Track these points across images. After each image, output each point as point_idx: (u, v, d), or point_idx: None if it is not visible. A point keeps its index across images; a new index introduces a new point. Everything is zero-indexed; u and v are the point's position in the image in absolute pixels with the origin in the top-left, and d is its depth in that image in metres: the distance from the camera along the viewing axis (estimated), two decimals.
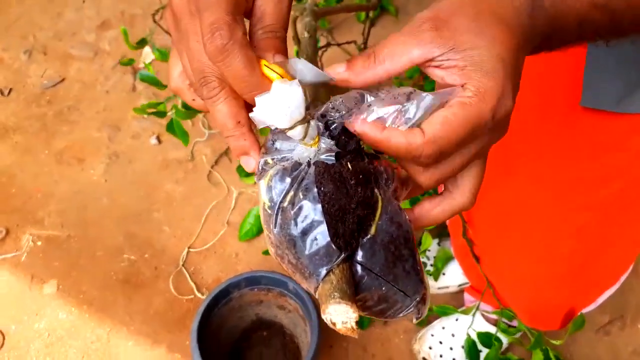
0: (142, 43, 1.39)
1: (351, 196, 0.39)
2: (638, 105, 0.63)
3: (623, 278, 0.97)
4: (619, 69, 0.61)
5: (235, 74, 0.36)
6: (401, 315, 0.41)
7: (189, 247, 1.47)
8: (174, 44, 0.42)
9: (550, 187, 0.79)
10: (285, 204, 0.39)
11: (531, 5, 0.38)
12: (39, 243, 1.48)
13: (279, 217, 0.39)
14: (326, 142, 0.40)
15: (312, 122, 0.39)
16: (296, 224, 0.38)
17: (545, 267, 0.91)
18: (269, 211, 0.40)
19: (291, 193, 0.39)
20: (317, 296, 0.38)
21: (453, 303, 1.38)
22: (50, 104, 1.73)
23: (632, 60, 0.60)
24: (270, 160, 0.41)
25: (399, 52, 0.37)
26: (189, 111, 1.34)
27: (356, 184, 0.39)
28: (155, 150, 1.63)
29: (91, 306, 1.39)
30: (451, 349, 1.29)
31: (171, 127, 1.35)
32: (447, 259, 1.38)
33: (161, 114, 1.33)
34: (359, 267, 0.38)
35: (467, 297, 1.31)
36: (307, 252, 0.38)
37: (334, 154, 0.40)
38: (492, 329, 1.23)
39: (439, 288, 1.39)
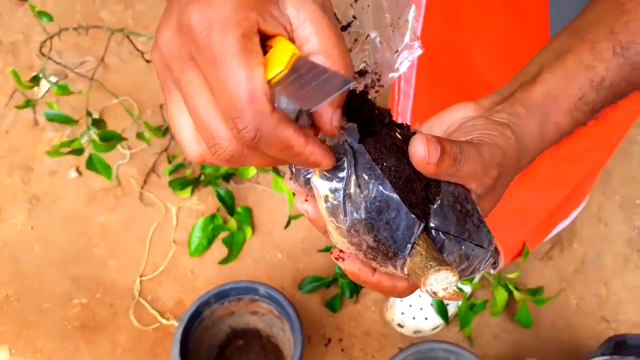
0: (35, 80, 1.29)
1: (412, 164, 0.39)
2: None
3: (575, 214, 1.06)
4: None
5: (277, 155, 0.34)
6: (481, 269, 0.42)
7: (140, 276, 1.42)
8: (166, 90, 0.37)
9: None
10: (351, 189, 0.38)
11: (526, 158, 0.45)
12: None
13: (348, 204, 0.38)
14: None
15: None
16: (369, 206, 0.37)
17: (508, 218, 0.98)
18: (335, 202, 0.38)
19: (353, 177, 0.38)
20: (406, 273, 0.38)
21: None
22: None
23: None
24: None
25: (465, 178, 0.40)
26: (108, 142, 1.27)
27: None
28: (78, 184, 1.53)
29: None
30: (421, 309, 1.35)
31: (91, 164, 1.28)
32: None
33: (79, 152, 1.25)
34: (436, 233, 0.39)
35: None
36: (387, 231, 0.37)
37: (357, 129, 0.40)
38: None
39: None
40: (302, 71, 0.33)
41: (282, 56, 0.34)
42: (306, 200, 0.42)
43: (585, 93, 0.44)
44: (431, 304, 1.34)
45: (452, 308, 1.35)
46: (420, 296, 1.36)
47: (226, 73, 0.32)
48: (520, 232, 1.14)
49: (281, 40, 0.35)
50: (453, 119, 0.46)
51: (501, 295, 1.31)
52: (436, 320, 1.34)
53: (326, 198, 0.39)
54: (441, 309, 1.33)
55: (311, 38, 0.34)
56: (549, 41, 0.73)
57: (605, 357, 1.06)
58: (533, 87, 0.45)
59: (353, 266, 0.41)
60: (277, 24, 0.34)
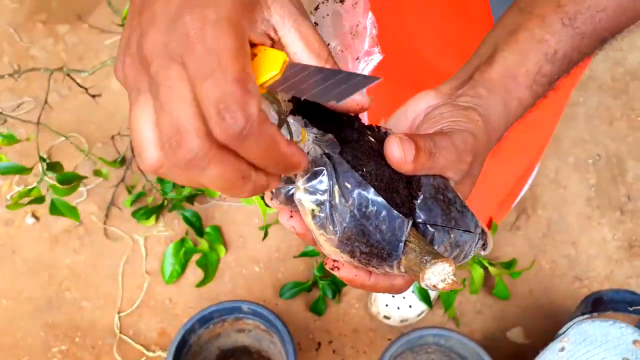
0: None
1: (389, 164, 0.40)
2: None
3: (531, 179, 1.09)
4: None
5: (259, 155, 0.33)
6: (472, 253, 0.43)
7: (118, 312, 1.38)
8: (135, 92, 0.34)
9: None
10: (336, 199, 0.38)
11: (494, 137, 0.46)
12: None
13: (335, 214, 0.38)
14: (312, 131, 0.40)
15: (290, 119, 0.39)
16: (356, 213, 0.38)
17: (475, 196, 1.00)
18: (322, 214, 0.39)
19: (336, 187, 0.38)
20: (402, 270, 0.39)
21: None
22: None
23: None
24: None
25: (442, 169, 0.41)
26: (69, 186, 1.22)
27: None
28: (37, 229, 1.48)
29: None
30: (404, 297, 1.37)
31: (55, 209, 1.23)
32: None
33: (39, 200, 1.20)
34: (424, 227, 0.40)
35: None
36: (378, 234, 0.38)
37: (331, 141, 0.40)
38: None
39: None
40: (306, 72, 0.35)
41: (273, 62, 0.35)
42: (291, 217, 0.42)
43: (541, 66, 0.46)
44: (412, 291, 1.36)
45: (433, 292, 1.38)
46: None
47: (220, 64, 0.31)
48: (487, 208, 1.17)
49: (267, 49, 0.36)
50: (417, 109, 0.47)
51: (477, 273, 1.34)
52: (420, 307, 1.36)
53: (312, 212, 0.39)
54: (423, 294, 1.35)
55: (297, 44, 0.37)
56: (492, 21, 0.75)
57: (585, 316, 1.10)
58: (491, 67, 0.46)
59: (349, 273, 0.41)
60: (262, 34, 0.37)
